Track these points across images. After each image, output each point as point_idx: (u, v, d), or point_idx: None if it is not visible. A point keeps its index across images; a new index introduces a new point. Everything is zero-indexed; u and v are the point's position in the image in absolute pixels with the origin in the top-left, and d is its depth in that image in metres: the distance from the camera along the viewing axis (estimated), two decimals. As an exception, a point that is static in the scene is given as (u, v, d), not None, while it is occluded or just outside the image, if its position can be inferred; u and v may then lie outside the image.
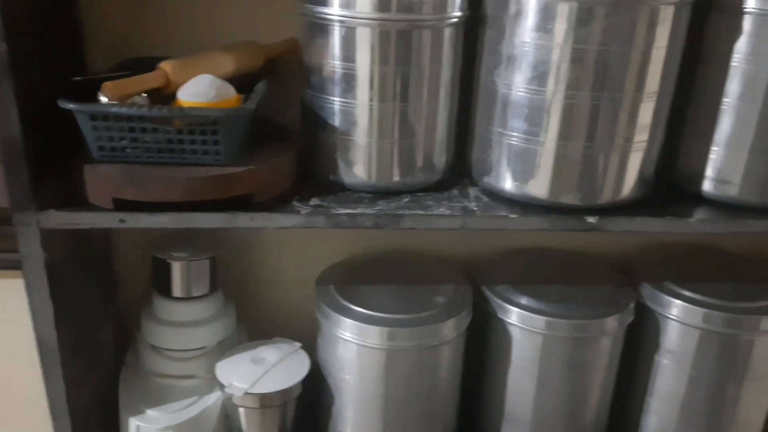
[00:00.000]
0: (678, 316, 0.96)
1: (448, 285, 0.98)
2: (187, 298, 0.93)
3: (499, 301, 0.96)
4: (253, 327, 1.04)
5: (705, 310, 0.94)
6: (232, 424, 0.93)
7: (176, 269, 0.91)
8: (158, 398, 0.91)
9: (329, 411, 0.95)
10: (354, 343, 0.89)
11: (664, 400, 1.01)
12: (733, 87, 0.81)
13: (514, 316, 0.94)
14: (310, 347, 0.97)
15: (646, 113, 0.79)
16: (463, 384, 1.00)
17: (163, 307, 0.93)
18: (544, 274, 1.04)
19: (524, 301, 0.95)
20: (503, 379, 0.98)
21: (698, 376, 0.97)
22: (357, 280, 0.98)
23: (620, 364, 1.01)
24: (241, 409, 0.89)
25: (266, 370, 0.90)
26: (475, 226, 0.82)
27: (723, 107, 0.82)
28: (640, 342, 1.01)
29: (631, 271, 1.05)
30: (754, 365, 0.96)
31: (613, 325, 0.94)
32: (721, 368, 0.96)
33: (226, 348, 0.95)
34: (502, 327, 0.96)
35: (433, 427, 0.96)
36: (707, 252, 1.12)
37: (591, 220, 0.83)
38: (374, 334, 0.88)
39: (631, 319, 0.97)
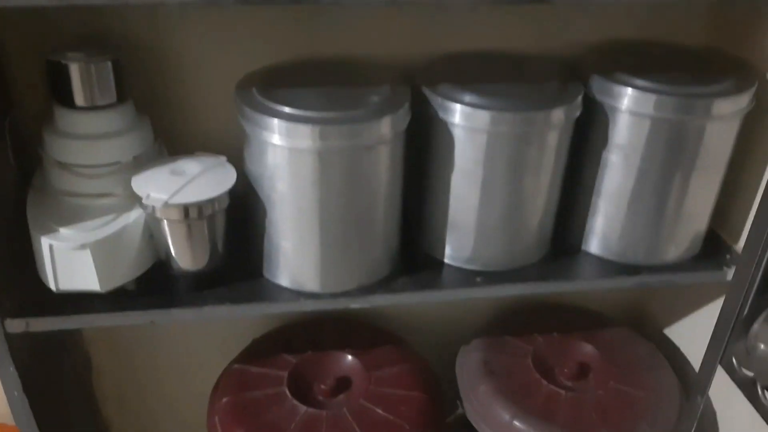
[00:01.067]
0: (628, 105, 0.91)
1: (383, 86, 0.90)
2: (92, 108, 0.83)
3: (440, 99, 0.88)
4: (173, 145, 0.95)
5: (656, 96, 0.89)
6: (158, 244, 0.87)
7: (75, 73, 0.80)
8: (71, 218, 0.83)
9: (263, 225, 0.89)
10: (283, 147, 0.81)
11: (611, 198, 0.98)
12: None
13: (456, 114, 0.87)
14: (238, 164, 0.89)
15: None
16: (405, 194, 0.95)
17: (66, 119, 0.83)
18: (488, 74, 0.96)
19: (467, 98, 0.88)
20: (446, 185, 0.93)
21: (647, 169, 0.94)
22: (282, 83, 0.89)
23: (567, 164, 0.96)
24: (164, 223, 0.82)
25: (188, 181, 0.82)
26: None
27: None
28: (588, 138, 0.96)
29: (580, 68, 0.99)
30: (703, 154, 0.93)
31: (560, 117, 0.89)
32: (670, 159, 0.93)
33: (142, 164, 0.86)
34: (444, 128, 0.89)
35: (374, 238, 0.92)
36: (660, 46, 1.06)
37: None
38: (304, 134, 0.80)
39: (579, 111, 0.91)
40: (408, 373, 1.13)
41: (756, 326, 0.66)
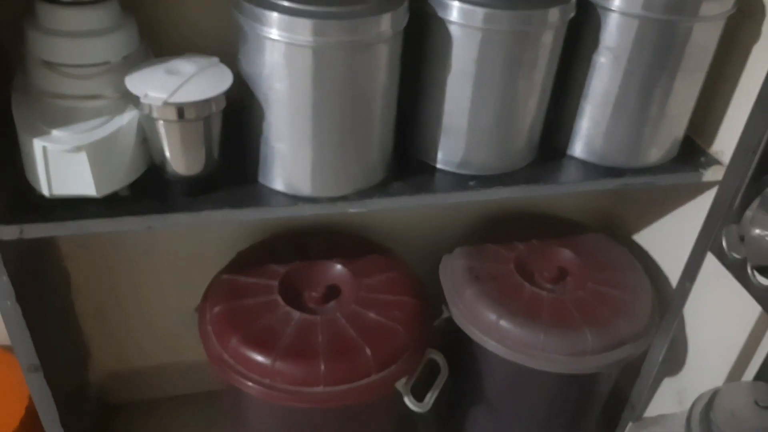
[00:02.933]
0: (619, 5, 0.92)
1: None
2: (76, 2, 0.79)
3: (435, -3, 0.88)
4: (159, 47, 0.91)
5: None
6: (152, 148, 0.85)
7: (58, -35, 0.76)
8: (63, 120, 0.79)
9: (259, 128, 0.88)
10: (281, 43, 0.80)
11: (598, 101, 1.00)
12: None
13: (453, 12, 0.87)
14: (231, 67, 0.86)
15: None
16: (400, 98, 0.95)
17: (51, 14, 0.79)
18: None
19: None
20: (441, 86, 0.93)
21: (633, 71, 0.96)
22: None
23: (558, 67, 0.98)
24: (160, 124, 0.80)
25: (185, 81, 0.80)
26: None
27: None
28: (579, 40, 0.97)
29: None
30: (687, 55, 0.95)
31: (555, 17, 0.89)
32: (656, 60, 0.95)
33: (132, 65, 0.83)
34: (440, 26, 0.89)
35: (370, 141, 0.92)
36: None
37: None
38: (303, 29, 0.78)
39: (573, 12, 0.92)
40: (396, 279, 1.15)
41: (749, 212, 0.69)
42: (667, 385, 1.28)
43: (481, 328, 1.12)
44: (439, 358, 1.12)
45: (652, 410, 1.32)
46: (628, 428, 1.02)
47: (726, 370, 1.10)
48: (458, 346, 1.19)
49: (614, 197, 1.40)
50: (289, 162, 0.90)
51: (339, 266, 1.16)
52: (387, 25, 0.83)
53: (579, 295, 1.16)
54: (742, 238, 0.72)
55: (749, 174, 0.70)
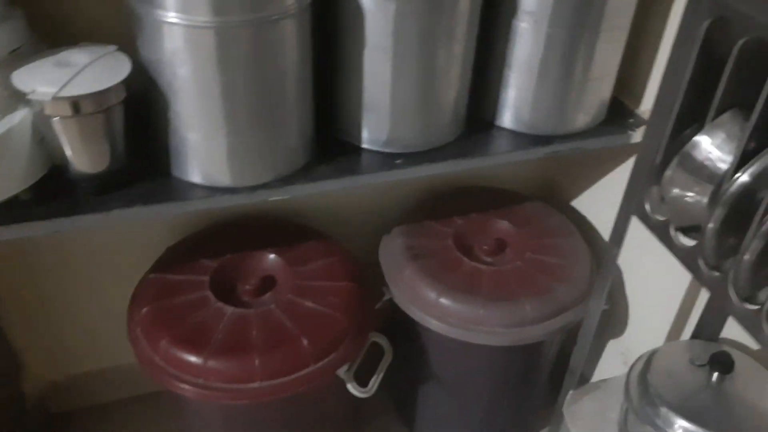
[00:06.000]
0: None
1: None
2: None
3: (343, -30, 0.84)
4: (53, 40, 0.85)
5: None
6: (51, 147, 0.79)
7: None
8: (-54, 122, 0.74)
9: (167, 118, 0.83)
10: (179, 26, 0.75)
11: (522, 68, 0.98)
12: None
13: (361, -16, 0.83)
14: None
15: None
16: (316, 78, 0.91)
17: None
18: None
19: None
20: (358, 63, 0.89)
21: (554, 34, 0.93)
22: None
23: (478, 36, 0.95)
24: (55, 121, 0.75)
25: (77, 72, 0.75)
26: None
27: None
28: (498, 7, 0.94)
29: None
30: (608, 14, 0.93)
31: (468, -16, 0.86)
32: (576, 22, 0.93)
33: (21, 60, 0.77)
34: (353, 1, 0.85)
35: (287, 124, 0.88)
36: None
37: None
38: (202, 8, 0.74)
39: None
40: (333, 265, 1.12)
41: (669, 172, 0.68)
42: (613, 348, 1.29)
43: (422, 306, 1.10)
44: (382, 341, 1.10)
45: (600, 374, 1.33)
46: (568, 396, 1.02)
47: (666, 330, 1.11)
48: (402, 327, 1.17)
49: (553, 164, 1.39)
50: (203, 152, 0.85)
51: (273, 256, 1.12)
52: None
53: (518, 266, 1.15)
54: (663, 199, 0.71)
55: (668, 133, 0.68)
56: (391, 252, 1.19)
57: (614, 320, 1.25)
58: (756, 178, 0.60)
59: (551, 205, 1.30)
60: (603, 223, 1.28)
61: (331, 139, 0.98)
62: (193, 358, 0.95)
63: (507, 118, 1.04)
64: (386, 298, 1.16)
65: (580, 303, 1.11)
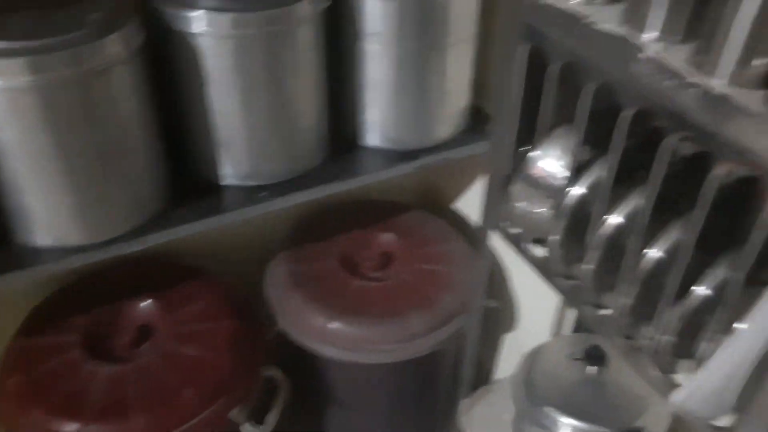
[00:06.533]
0: (374, -10, 0.89)
1: (102, 2, 0.79)
2: None
3: (172, 10, 0.80)
4: None
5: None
6: None
7: None
8: None
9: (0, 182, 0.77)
10: (-6, 88, 0.70)
11: (379, 88, 0.97)
12: None
13: (194, 23, 0.80)
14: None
15: None
16: (166, 122, 0.87)
17: None
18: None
19: (203, 3, 0.80)
20: (205, 101, 0.86)
21: (404, 53, 0.93)
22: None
23: (329, 61, 0.94)
24: None
25: None
26: None
27: None
28: (343, 30, 0.93)
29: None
30: (452, 27, 0.94)
31: (306, 11, 0.85)
32: (422, 39, 0.93)
33: None
34: (187, 41, 0.82)
35: (133, 172, 0.84)
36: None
37: None
38: (17, 69, 0.69)
39: (325, 3, 0.88)
40: (214, 304, 1.08)
41: (514, 187, 0.69)
42: (511, 346, 1.31)
43: (311, 334, 1.09)
44: (276, 374, 1.08)
45: (502, 374, 1.36)
46: (462, 403, 1.03)
47: (553, 325, 1.14)
48: (295, 356, 1.15)
49: (430, 171, 1.40)
50: (45, 213, 0.80)
51: (149, 302, 1.07)
52: (118, 46, 0.75)
53: (404, 279, 1.15)
54: (513, 212, 0.72)
55: (510, 150, 0.69)
56: (276, 280, 1.16)
57: (508, 318, 1.28)
58: (591, 189, 0.62)
59: (433, 212, 1.31)
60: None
61: (190, 180, 0.94)
62: (69, 429, 0.89)
63: (372, 137, 1.03)
64: (279, 328, 1.14)
65: (468, 309, 1.12)
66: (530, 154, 0.66)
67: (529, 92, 0.66)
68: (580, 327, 1.01)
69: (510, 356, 1.32)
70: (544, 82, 0.62)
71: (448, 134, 1.05)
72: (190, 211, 0.90)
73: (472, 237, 1.29)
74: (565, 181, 0.63)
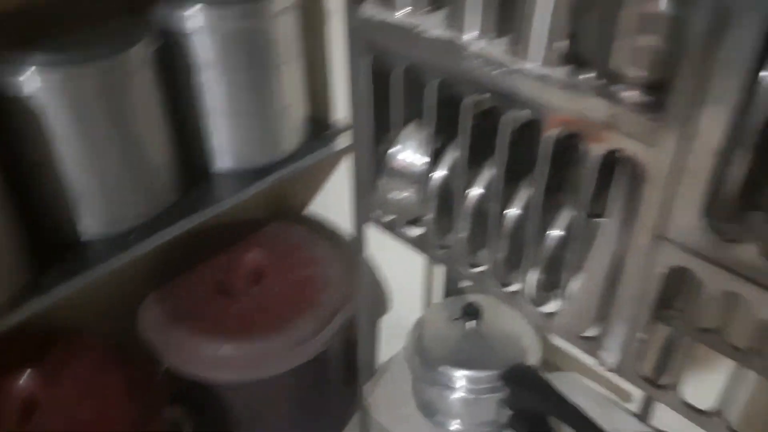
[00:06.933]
0: (199, 27, 0.92)
1: None
2: None
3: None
4: None
5: (222, 8, 0.92)
6: None
7: None
8: None
9: None
10: None
11: (220, 113, 1.01)
12: None
13: (25, 84, 0.79)
14: None
15: None
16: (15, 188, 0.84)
17: None
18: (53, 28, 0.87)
19: (33, 57, 0.79)
20: (52, 160, 0.85)
21: (238, 78, 0.98)
22: None
23: (167, 96, 0.95)
24: None
25: None
26: None
27: None
28: (178, 66, 0.96)
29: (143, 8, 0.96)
30: (280, 49, 1.00)
31: (140, 54, 0.86)
32: (253, 63, 0.98)
33: None
34: (15, 101, 0.80)
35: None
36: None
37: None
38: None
39: (157, 44, 0.90)
40: (97, 362, 1.06)
41: (382, 180, 0.78)
42: (389, 326, 1.41)
43: (203, 364, 1.10)
44: (177, 412, 1.08)
45: (388, 354, 1.45)
46: (365, 388, 1.11)
47: (425, 297, 1.25)
48: (193, 390, 1.15)
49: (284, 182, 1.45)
50: None
51: (29, 375, 1.02)
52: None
53: (281, 289, 1.20)
54: (386, 202, 0.80)
55: (370, 149, 0.77)
56: (154, 321, 1.16)
57: (381, 303, 1.37)
58: (451, 170, 0.72)
59: (290, 221, 1.36)
60: (341, 217, 1.37)
61: (52, 241, 0.91)
62: None
63: (223, 161, 1.07)
64: (165, 368, 1.13)
65: (345, 304, 1.19)
66: (391, 149, 0.74)
67: (378, 96, 0.74)
68: (449, 293, 1.12)
69: (391, 337, 1.42)
70: (390, 86, 0.70)
71: (293, 146, 1.11)
72: (56, 275, 0.88)
73: (332, 236, 1.37)
74: (427, 168, 0.72)
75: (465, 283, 1.14)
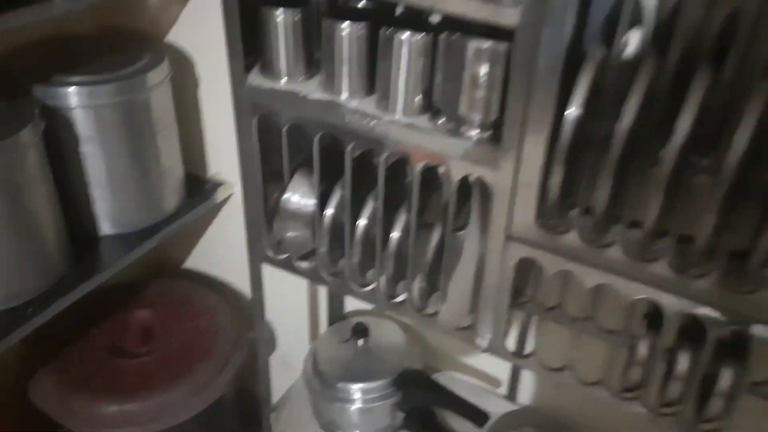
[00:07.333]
0: (79, 103, 0.99)
1: None
2: None
3: None
4: None
5: (99, 86, 1.00)
6: None
7: None
8: None
9: None
10: None
11: (103, 182, 1.07)
12: None
13: None
14: None
15: None
16: None
17: None
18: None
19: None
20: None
21: (118, 148, 1.06)
22: None
23: (57, 173, 1.00)
24: None
25: None
26: None
27: None
28: (61, 141, 1.01)
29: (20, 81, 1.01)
30: (155, 119, 1.09)
31: (29, 137, 0.91)
32: (131, 134, 1.06)
33: None
34: None
35: None
36: (81, 39, 1.15)
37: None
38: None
39: (43, 125, 0.95)
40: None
41: (276, 224, 0.89)
42: (274, 362, 1.49)
43: (108, 427, 1.13)
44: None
45: (276, 388, 1.53)
46: (268, 422, 1.19)
47: (308, 328, 1.36)
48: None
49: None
50: None
51: None
52: None
53: (174, 342, 1.25)
54: (279, 242, 0.92)
55: (261, 198, 0.89)
56: (51, 392, 1.16)
57: (266, 340, 1.45)
58: (338, 207, 0.85)
59: (176, 276, 1.42)
60: (231, 268, 1.45)
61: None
62: None
63: (109, 227, 1.12)
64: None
65: (237, 349, 1.27)
66: (283, 196, 0.87)
67: (264, 150, 0.86)
68: (332, 323, 1.25)
69: (276, 371, 1.50)
70: (281, 139, 0.83)
71: (176, 204, 1.19)
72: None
73: (216, 286, 1.44)
74: (317, 208, 0.86)
75: (348, 310, 1.27)
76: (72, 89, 0.99)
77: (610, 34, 0.63)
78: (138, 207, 1.13)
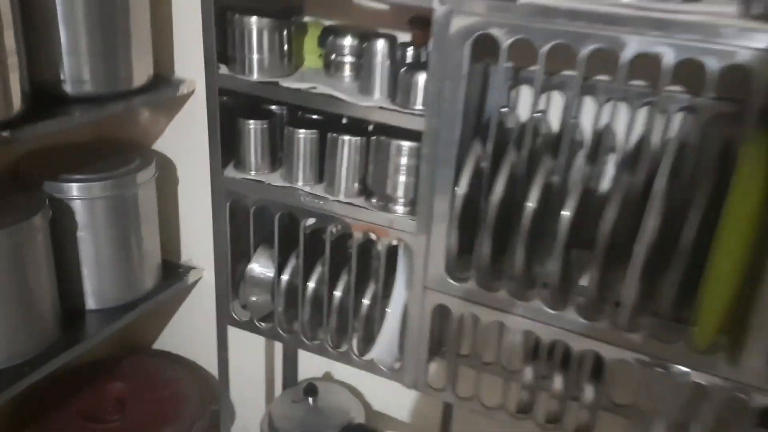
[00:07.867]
0: (79, 195, 1.20)
1: None
2: None
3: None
4: None
5: (96, 182, 1.22)
6: None
7: None
8: None
9: None
10: None
11: (91, 263, 1.26)
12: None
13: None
14: None
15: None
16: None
17: None
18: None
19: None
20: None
21: (111, 233, 1.26)
22: None
23: (56, 254, 1.19)
24: None
25: None
26: None
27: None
28: (62, 230, 1.21)
29: (24, 176, 1.22)
30: (141, 212, 1.30)
31: (38, 223, 1.11)
32: (121, 224, 1.27)
33: None
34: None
35: None
36: (83, 145, 1.38)
37: (5, 134, 0.98)
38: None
39: (50, 213, 1.15)
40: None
41: (242, 290, 1.10)
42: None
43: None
44: None
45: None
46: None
47: (263, 392, 1.52)
48: None
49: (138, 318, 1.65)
50: None
51: None
52: None
53: (143, 411, 1.39)
54: (244, 306, 1.12)
55: (229, 273, 1.10)
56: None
57: (229, 412, 1.60)
58: (293, 274, 1.07)
59: (147, 353, 1.57)
60: (197, 347, 1.60)
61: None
62: None
63: (94, 302, 1.29)
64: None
65: (200, 415, 1.42)
66: (248, 267, 1.09)
67: (234, 230, 1.09)
68: (286, 385, 1.43)
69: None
70: (248, 221, 1.06)
71: (152, 284, 1.38)
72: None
73: (182, 362, 1.60)
74: (275, 275, 1.07)
75: (301, 379, 1.45)
76: (74, 184, 1.20)
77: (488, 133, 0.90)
78: (120, 286, 1.31)
